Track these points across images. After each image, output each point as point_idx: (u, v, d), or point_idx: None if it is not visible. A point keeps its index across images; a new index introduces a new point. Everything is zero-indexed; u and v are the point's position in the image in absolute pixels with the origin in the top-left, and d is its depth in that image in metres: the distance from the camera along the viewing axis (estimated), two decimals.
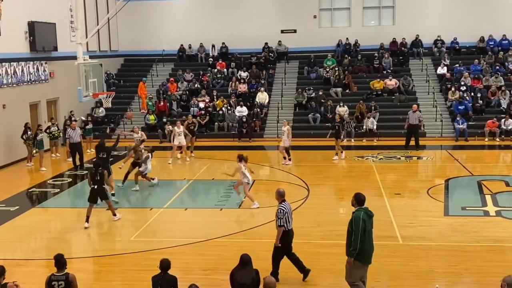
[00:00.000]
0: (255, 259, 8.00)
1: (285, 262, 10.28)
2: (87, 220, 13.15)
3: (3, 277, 7.53)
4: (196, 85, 28.44)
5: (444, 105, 26.43)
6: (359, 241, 8.28)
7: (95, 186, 13.32)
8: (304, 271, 9.71)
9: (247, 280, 7.72)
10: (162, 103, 27.12)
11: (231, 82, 28.59)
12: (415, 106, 22.75)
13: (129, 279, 10.17)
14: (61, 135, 22.14)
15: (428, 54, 30.04)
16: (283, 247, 9.59)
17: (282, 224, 9.39)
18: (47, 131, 21.25)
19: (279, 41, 30.64)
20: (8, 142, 20.46)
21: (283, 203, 9.55)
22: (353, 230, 8.35)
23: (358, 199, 8.63)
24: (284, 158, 19.88)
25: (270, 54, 30.36)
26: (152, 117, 26.32)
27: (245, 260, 7.91)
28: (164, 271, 8.01)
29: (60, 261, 7.86)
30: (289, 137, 19.65)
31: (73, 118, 23.17)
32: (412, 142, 22.13)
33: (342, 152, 20.50)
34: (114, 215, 13.69)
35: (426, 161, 20.75)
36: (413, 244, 11.60)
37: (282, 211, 9.41)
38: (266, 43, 30.54)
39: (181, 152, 21.03)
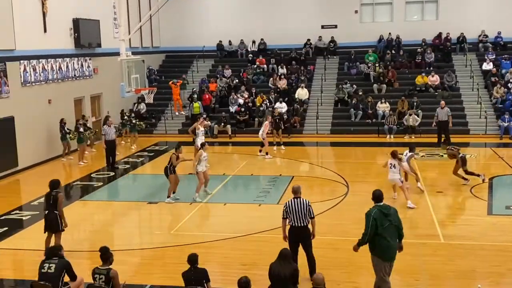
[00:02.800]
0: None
1: (323, 260, 10.26)
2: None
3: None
4: (234, 81, 28.53)
5: (488, 101, 25.80)
6: (367, 238, 8.30)
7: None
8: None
9: (286, 273, 7.72)
10: (207, 96, 27.15)
11: (271, 79, 28.57)
12: (443, 102, 22.35)
13: (169, 272, 10.30)
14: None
15: (473, 49, 29.35)
16: (290, 241, 9.57)
17: (284, 216, 9.50)
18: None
19: (332, 37, 30.42)
20: (54, 136, 20.96)
21: (294, 199, 9.51)
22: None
23: (373, 195, 8.58)
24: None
25: (313, 47, 30.39)
26: (196, 104, 26.23)
27: (283, 254, 7.92)
28: (193, 265, 8.07)
29: (104, 254, 8.04)
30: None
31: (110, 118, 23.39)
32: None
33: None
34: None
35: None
36: (455, 243, 11.40)
37: (285, 204, 9.54)
38: (308, 40, 30.54)
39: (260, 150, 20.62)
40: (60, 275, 8.04)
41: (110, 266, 7.97)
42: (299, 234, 9.47)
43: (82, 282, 8.56)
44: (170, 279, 9.97)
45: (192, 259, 8.10)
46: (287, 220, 9.48)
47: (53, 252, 8.22)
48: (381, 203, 8.48)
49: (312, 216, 9.52)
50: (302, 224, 9.41)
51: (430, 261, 10.54)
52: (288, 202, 9.51)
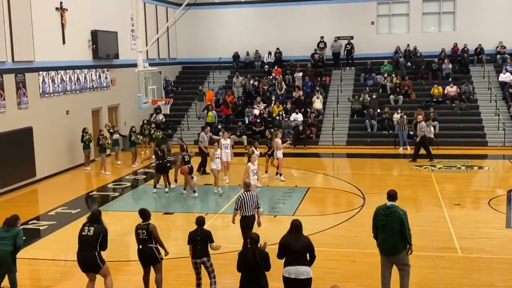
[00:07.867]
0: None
1: (340, 273, 10.17)
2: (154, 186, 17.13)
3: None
4: (252, 83, 28.79)
5: (507, 113, 25.55)
6: (372, 231, 9.15)
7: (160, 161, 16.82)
8: None
9: (299, 245, 7.98)
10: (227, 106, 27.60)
11: (276, 82, 28.65)
12: (420, 116, 22.32)
13: (183, 283, 10.31)
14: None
15: (490, 60, 29.12)
16: (243, 228, 10.95)
17: (236, 208, 11.05)
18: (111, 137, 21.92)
19: (350, 40, 30.42)
20: (71, 147, 21.16)
21: (245, 192, 10.97)
22: None
23: (387, 194, 9.17)
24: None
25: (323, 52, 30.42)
26: (210, 113, 26.56)
27: (295, 225, 8.18)
28: (200, 226, 9.29)
29: (144, 214, 9.33)
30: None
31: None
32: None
33: None
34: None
35: (488, 171, 20.09)
36: (473, 256, 11.27)
37: (239, 197, 10.98)
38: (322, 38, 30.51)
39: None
40: (97, 240, 8.82)
41: (149, 222, 9.20)
42: (250, 222, 10.96)
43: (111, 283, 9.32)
44: None
45: (200, 221, 9.32)
46: (239, 211, 10.95)
47: (95, 217, 9.02)
48: (388, 203, 9.00)
49: (259, 206, 11.13)
50: (252, 213, 10.98)
51: (447, 274, 10.42)
52: (242, 195, 10.91)
